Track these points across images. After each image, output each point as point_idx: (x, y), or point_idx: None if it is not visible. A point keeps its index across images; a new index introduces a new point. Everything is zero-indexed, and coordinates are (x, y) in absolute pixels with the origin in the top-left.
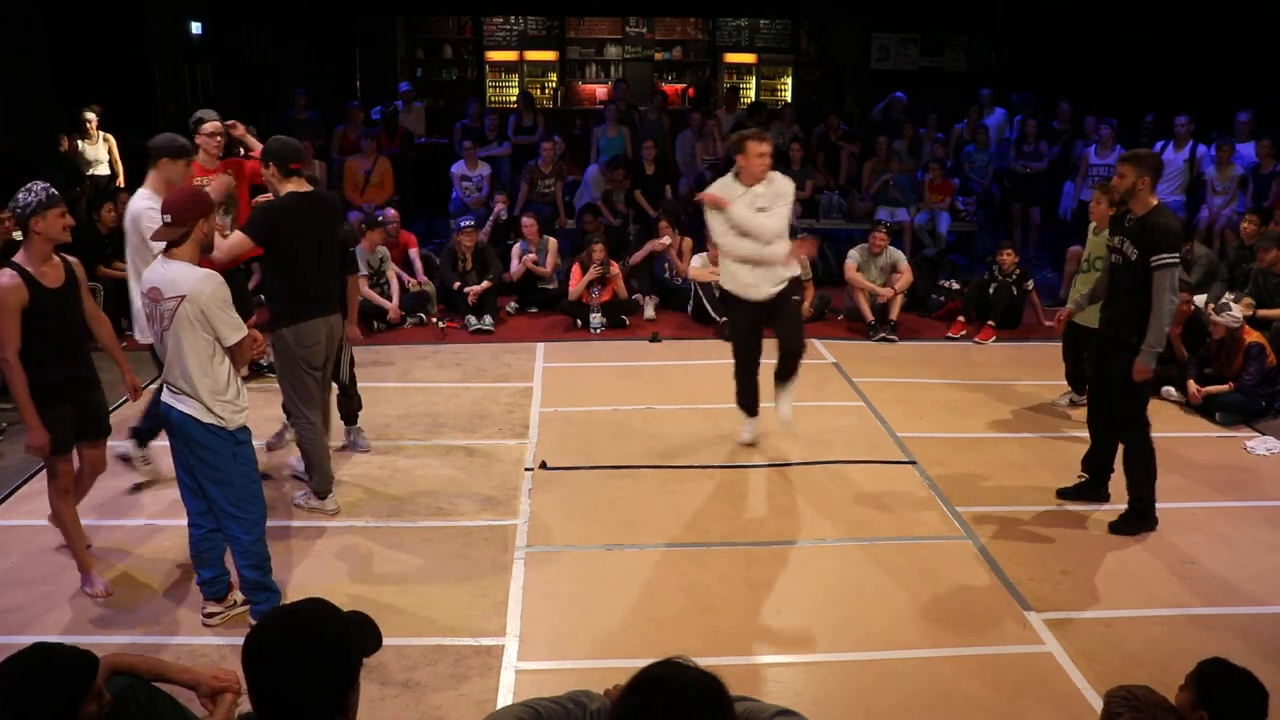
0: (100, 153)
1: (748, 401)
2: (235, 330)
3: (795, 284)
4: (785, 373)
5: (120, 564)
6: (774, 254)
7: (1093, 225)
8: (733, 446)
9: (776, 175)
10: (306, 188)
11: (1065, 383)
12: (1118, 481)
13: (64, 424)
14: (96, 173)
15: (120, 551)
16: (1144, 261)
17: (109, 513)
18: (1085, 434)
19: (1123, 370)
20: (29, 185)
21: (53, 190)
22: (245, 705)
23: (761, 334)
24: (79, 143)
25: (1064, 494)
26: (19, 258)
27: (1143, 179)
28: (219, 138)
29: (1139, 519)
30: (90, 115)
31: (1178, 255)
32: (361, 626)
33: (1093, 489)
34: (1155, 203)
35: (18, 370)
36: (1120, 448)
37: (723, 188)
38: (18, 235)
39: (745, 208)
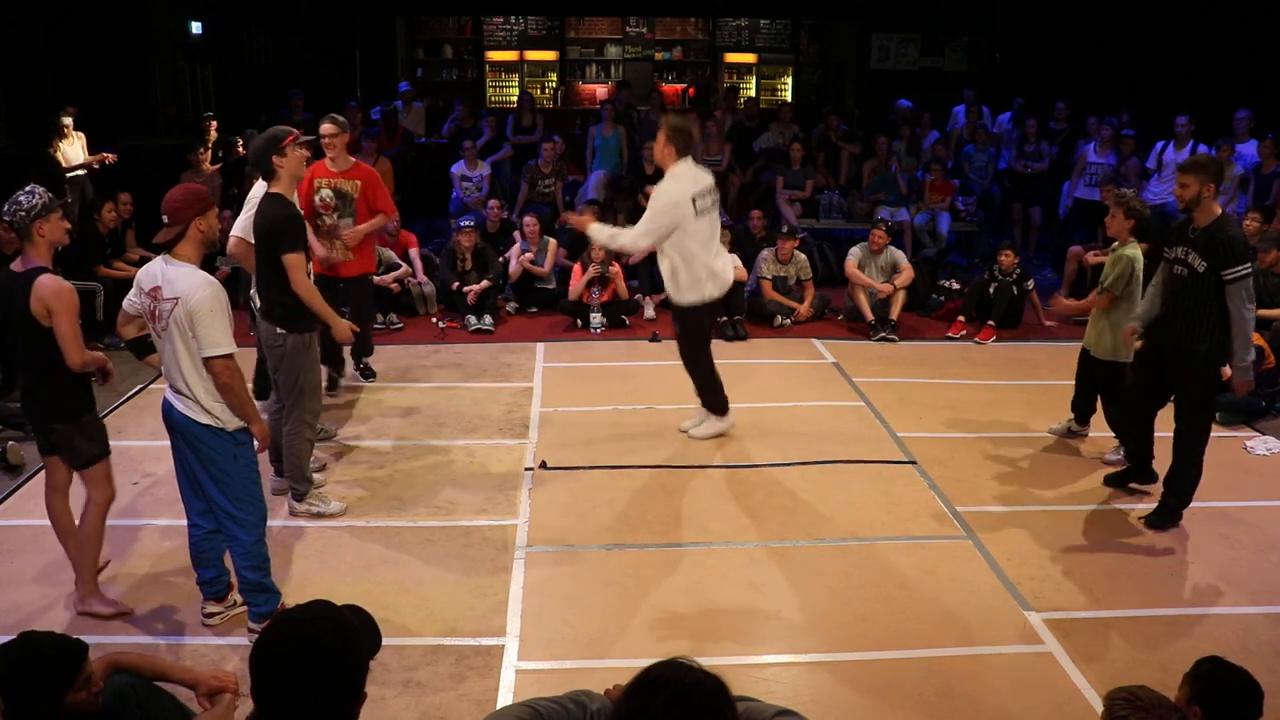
0: (75, 152)
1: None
2: (215, 346)
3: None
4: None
5: (120, 564)
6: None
7: (1114, 245)
8: (733, 446)
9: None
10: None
11: (1070, 409)
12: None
13: (101, 429)
14: (76, 173)
15: (120, 551)
16: (1214, 274)
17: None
18: (1085, 433)
19: (1195, 383)
20: (28, 188)
21: (51, 194)
22: (245, 705)
23: None
24: (60, 144)
25: (1110, 480)
26: (41, 263)
27: (1206, 187)
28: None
29: (1172, 515)
30: (67, 120)
31: (1249, 266)
32: (362, 626)
33: (1138, 475)
34: (1219, 212)
35: (91, 356)
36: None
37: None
38: None
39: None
